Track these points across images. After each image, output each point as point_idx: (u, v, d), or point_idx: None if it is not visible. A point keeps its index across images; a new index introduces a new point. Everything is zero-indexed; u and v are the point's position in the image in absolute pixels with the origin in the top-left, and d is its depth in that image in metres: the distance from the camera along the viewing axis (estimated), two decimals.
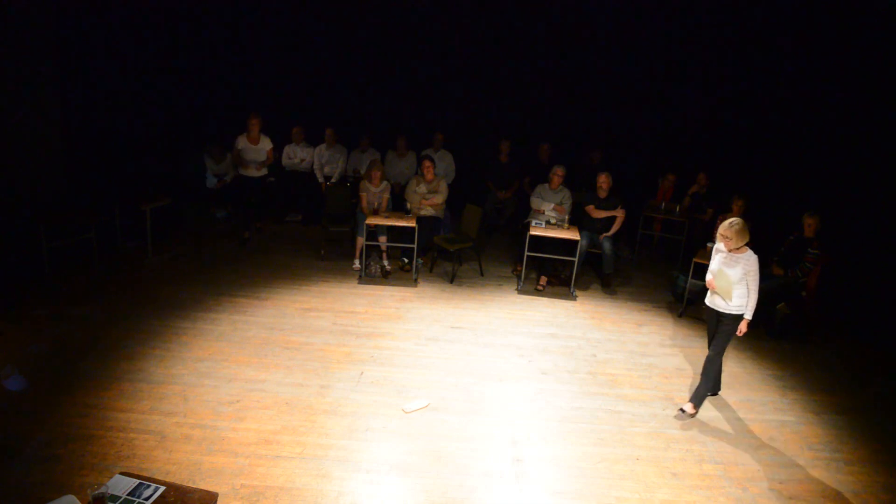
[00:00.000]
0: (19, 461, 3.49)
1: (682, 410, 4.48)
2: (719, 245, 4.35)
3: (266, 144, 7.24)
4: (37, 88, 7.00)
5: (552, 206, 6.97)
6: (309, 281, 6.59)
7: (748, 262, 4.20)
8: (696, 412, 4.48)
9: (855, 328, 6.38)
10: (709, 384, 4.49)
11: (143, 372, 4.55)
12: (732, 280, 4.22)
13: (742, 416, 4.54)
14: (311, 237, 8.09)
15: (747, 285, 4.22)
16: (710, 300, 4.44)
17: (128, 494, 2.58)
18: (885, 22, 6.75)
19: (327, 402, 4.34)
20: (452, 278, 6.95)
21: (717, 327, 4.43)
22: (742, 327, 4.31)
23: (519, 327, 5.82)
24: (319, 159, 8.52)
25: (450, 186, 7.56)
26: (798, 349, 5.77)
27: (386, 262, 7.01)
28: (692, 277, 6.26)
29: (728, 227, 4.18)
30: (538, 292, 6.72)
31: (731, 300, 4.26)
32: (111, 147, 8.06)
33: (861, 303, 6.74)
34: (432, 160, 7.19)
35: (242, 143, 7.12)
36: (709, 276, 4.40)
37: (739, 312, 4.29)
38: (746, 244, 4.24)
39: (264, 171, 7.39)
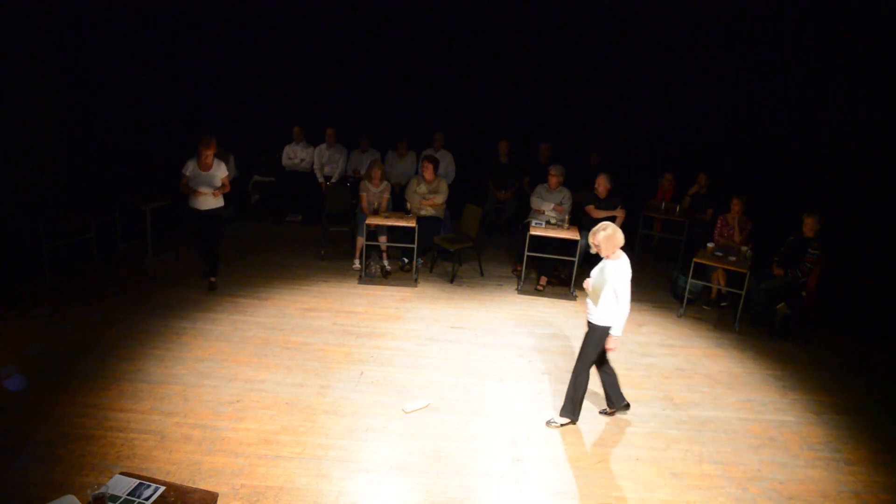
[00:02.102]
0: (19, 461, 3.49)
1: (551, 421, 4.25)
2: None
3: (221, 171, 6.09)
4: (37, 88, 7.00)
5: (552, 206, 6.97)
6: (309, 281, 6.59)
7: (614, 269, 3.91)
8: (572, 422, 4.26)
9: (855, 328, 6.38)
10: (576, 393, 4.18)
11: (143, 372, 4.55)
12: (599, 286, 3.97)
13: (742, 416, 4.54)
14: (311, 237, 8.09)
15: (615, 295, 3.92)
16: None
17: (128, 494, 2.58)
18: (885, 21, 6.75)
19: (327, 402, 4.34)
20: (452, 278, 6.95)
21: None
22: (609, 343, 4.04)
23: (519, 327, 5.82)
24: (319, 159, 8.52)
25: (450, 186, 7.55)
26: (798, 349, 5.77)
27: (386, 262, 7.00)
28: (692, 277, 6.26)
29: (593, 234, 3.93)
30: (538, 292, 6.72)
31: (596, 306, 4.01)
32: (111, 147, 8.06)
33: (861, 303, 6.74)
34: (434, 161, 7.18)
35: (191, 167, 5.98)
36: (587, 280, 4.15)
37: (603, 324, 4.00)
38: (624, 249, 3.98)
39: (220, 203, 6.21)
